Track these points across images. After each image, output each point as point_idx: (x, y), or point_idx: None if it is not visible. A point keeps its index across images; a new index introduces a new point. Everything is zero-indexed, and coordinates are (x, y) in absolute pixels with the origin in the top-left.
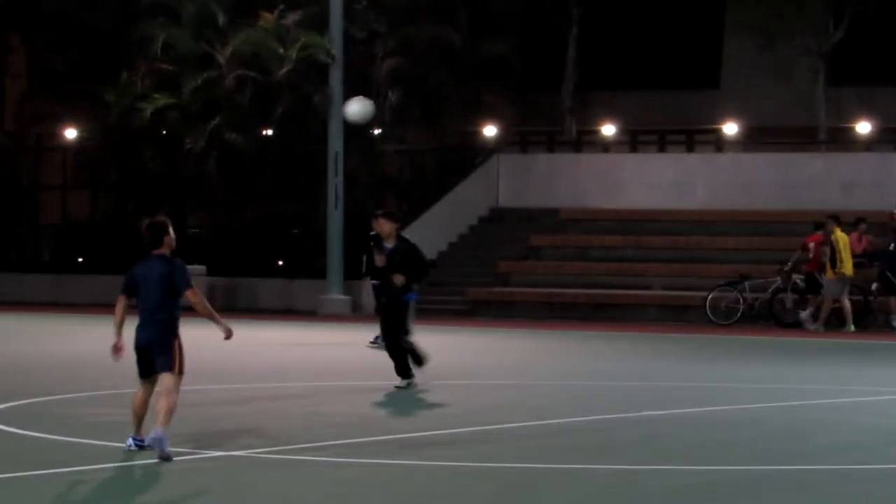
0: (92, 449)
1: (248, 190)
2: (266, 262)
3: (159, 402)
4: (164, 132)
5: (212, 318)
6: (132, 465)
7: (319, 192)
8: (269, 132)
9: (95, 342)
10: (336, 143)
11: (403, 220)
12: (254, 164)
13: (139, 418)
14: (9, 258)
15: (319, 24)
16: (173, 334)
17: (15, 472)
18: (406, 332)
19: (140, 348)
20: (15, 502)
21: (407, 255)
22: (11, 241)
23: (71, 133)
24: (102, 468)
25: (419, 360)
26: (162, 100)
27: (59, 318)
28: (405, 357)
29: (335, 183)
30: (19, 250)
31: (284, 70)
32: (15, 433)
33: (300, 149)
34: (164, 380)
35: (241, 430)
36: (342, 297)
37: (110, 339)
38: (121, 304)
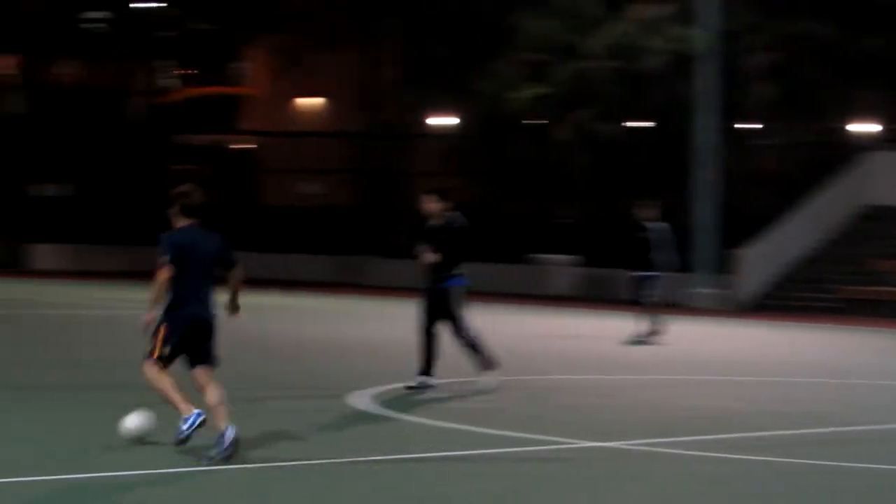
0: (468, 435)
1: (617, 181)
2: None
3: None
4: (534, 122)
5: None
6: (518, 452)
7: (689, 185)
8: (638, 124)
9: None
10: (705, 136)
11: (450, 199)
12: (622, 155)
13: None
14: (377, 244)
15: (686, 17)
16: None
17: (399, 454)
18: (453, 319)
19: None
20: (403, 483)
21: (452, 234)
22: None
23: (444, 121)
24: (494, 453)
25: (483, 362)
26: (532, 89)
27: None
28: (473, 347)
29: (702, 176)
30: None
31: (654, 63)
32: (393, 417)
33: (669, 141)
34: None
35: (619, 420)
36: (712, 290)
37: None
38: None
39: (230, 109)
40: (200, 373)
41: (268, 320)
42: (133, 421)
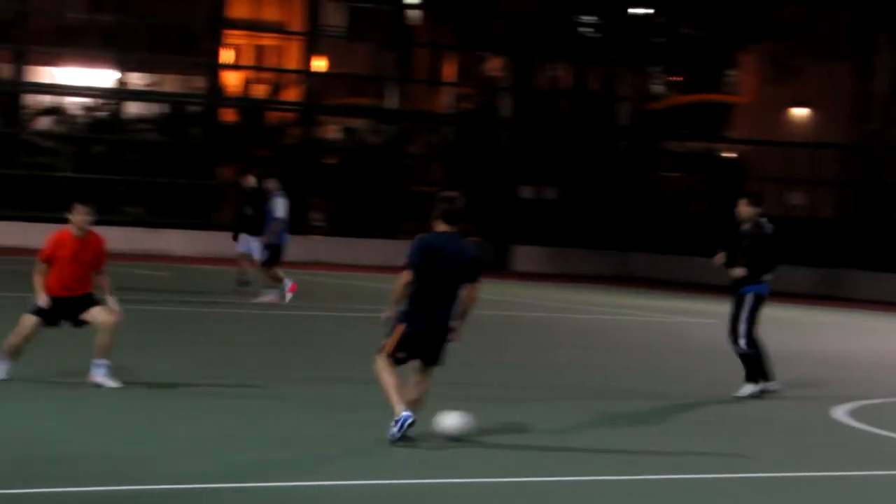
0: None
1: None
2: None
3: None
4: None
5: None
6: None
7: None
8: None
9: None
10: None
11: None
12: None
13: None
14: (863, 257)
15: None
16: None
17: (868, 471)
18: (737, 329)
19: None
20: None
21: (757, 241)
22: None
23: None
24: None
25: (754, 374)
26: None
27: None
28: (752, 360)
29: None
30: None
31: None
32: (868, 431)
33: None
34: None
35: None
36: None
37: None
38: None
39: (718, 117)
40: (423, 367)
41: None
42: (451, 420)
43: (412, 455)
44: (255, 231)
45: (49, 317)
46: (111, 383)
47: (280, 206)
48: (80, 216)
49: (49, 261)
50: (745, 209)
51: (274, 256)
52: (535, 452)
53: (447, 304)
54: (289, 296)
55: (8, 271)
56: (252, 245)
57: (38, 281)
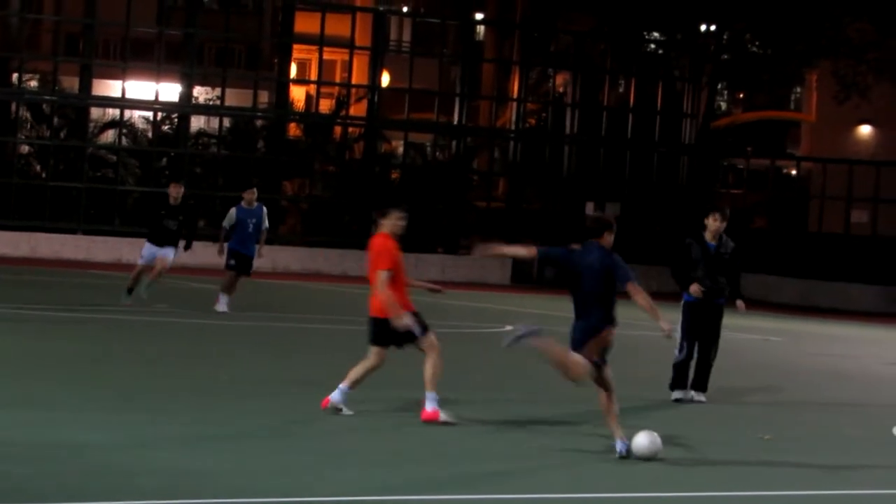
0: None
1: None
2: None
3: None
4: None
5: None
6: None
7: None
8: None
9: None
10: None
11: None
12: None
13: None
14: None
15: None
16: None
17: None
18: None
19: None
20: None
21: (733, 256)
22: None
23: None
24: None
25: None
26: None
27: None
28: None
29: None
30: None
31: None
32: None
33: None
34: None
35: None
36: None
37: None
38: None
39: (783, 133)
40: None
41: (829, 348)
42: (643, 441)
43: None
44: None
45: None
46: (450, 419)
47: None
48: (396, 221)
49: (392, 270)
50: (717, 224)
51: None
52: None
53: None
54: (219, 307)
55: (72, 284)
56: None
57: (391, 296)
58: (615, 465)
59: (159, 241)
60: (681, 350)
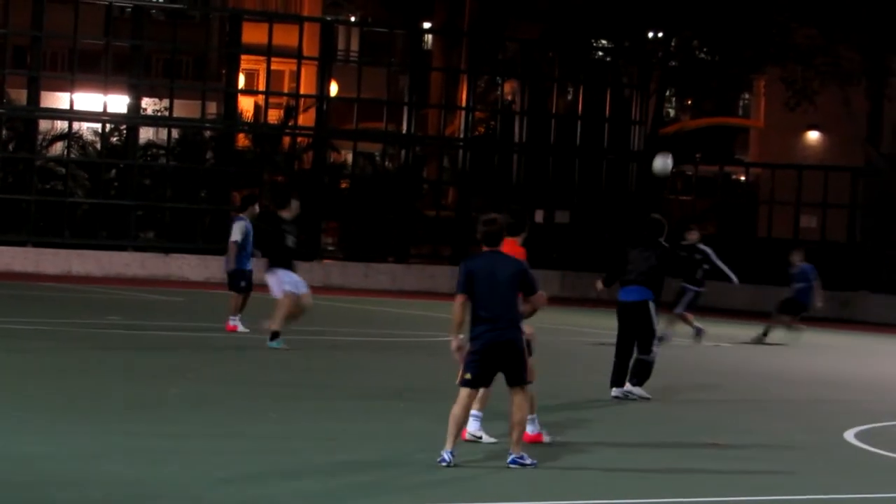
0: None
1: None
2: None
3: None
4: None
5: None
6: None
7: None
8: None
9: None
10: None
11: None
12: None
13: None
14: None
15: None
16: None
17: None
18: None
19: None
20: None
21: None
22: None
23: None
24: None
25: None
26: None
27: None
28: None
29: None
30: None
31: None
32: (874, 453)
33: None
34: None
35: None
36: None
37: None
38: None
39: (732, 140)
40: (513, 392)
41: (765, 353)
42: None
43: None
44: None
45: None
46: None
47: (236, 231)
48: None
49: None
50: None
51: (232, 282)
52: None
53: (504, 322)
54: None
55: (22, 296)
56: None
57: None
58: (559, 472)
59: (290, 264)
60: None
